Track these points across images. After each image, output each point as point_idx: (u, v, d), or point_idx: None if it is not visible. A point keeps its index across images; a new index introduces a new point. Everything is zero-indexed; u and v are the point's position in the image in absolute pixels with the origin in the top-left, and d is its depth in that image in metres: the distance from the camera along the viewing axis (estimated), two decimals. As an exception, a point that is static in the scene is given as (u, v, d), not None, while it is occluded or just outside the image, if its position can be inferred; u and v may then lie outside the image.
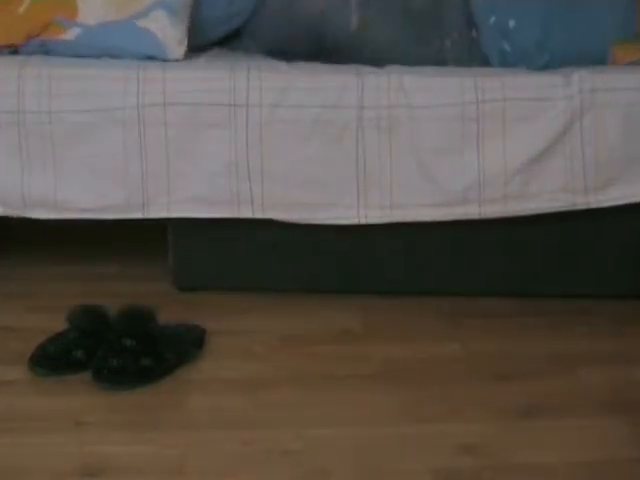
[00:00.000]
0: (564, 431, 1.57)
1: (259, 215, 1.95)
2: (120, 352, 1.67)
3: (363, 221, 2.00)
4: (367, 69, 2.00)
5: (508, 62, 2.07)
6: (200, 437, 1.51)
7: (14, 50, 2.07)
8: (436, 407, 1.64)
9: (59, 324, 1.75)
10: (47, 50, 2.06)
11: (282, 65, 2.02)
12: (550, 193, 2.00)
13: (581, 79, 1.99)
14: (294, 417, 1.60)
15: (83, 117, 1.97)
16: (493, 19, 2.09)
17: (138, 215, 1.98)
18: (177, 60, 2.01)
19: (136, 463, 1.44)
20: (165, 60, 2.00)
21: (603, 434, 1.56)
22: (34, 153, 1.98)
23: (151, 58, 2.00)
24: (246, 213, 1.95)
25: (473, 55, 2.12)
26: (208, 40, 2.12)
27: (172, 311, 1.87)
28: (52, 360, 1.70)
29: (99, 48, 2.06)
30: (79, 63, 2.05)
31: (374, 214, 2.00)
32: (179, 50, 2.02)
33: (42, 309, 1.95)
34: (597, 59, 2.07)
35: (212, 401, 1.64)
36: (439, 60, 2.11)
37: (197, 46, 2.12)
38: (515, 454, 1.50)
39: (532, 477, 1.44)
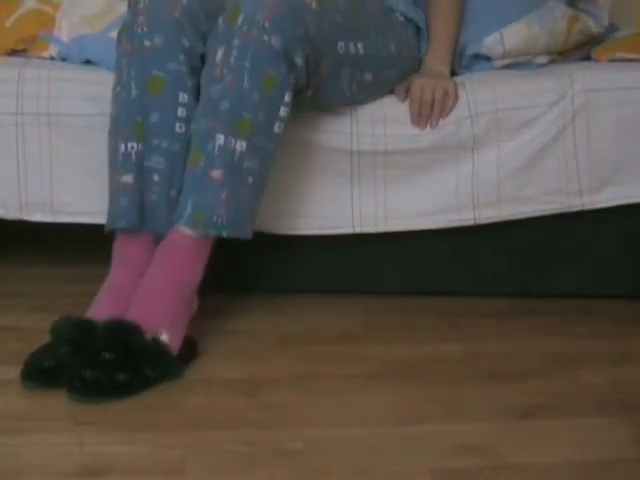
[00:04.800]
0: (564, 431, 1.57)
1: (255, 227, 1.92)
2: (96, 365, 1.62)
3: (358, 231, 2.01)
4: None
5: None
6: (200, 437, 1.51)
7: None
8: (436, 407, 1.64)
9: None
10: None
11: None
12: (545, 196, 2.00)
13: (574, 79, 1.99)
14: (294, 417, 1.60)
15: (81, 121, 1.97)
16: None
17: None
18: None
19: (136, 463, 1.44)
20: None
21: (603, 434, 1.56)
22: (32, 155, 1.98)
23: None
24: None
25: None
26: None
27: (172, 311, 1.87)
28: (47, 375, 1.64)
29: (77, 62, 2.07)
30: (79, 67, 2.06)
31: (369, 224, 2.00)
32: None
33: (42, 309, 1.95)
34: None
35: (212, 401, 1.64)
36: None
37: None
38: (515, 454, 1.49)
39: (532, 477, 1.44)
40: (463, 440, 1.52)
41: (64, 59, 2.10)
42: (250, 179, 1.75)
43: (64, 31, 2.11)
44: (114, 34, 2.04)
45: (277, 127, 1.77)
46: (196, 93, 1.81)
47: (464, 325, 1.99)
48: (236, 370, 1.75)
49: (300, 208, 2.01)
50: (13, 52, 2.14)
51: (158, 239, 1.81)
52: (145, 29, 1.79)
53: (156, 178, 1.81)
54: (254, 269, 1.99)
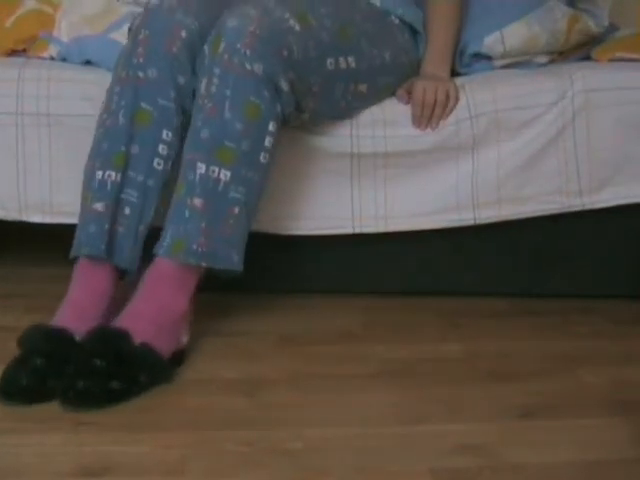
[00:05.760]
0: (564, 431, 1.57)
1: (255, 228, 1.89)
2: (89, 373, 1.59)
3: (358, 231, 2.00)
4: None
5: None
6: (200, 437, 1.51)
7: None
8: (436, 407, 1.64)
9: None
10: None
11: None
12: (545, 196, 2.01)
13: (574, 79, 2.00)
14: (294, 417, 1.60)
15: (81, 121, 1.97)
16: None
17: None
18: None
19: (136, 463, 1.44)
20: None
21: (603, 434, 1.56)
22: (31, 156, 1.98)
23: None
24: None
25: None
26: None
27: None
28: (27, 392, 1.60)
29: (77, 63, 2.08)
30: (79, 67, 2.06)
31: (369, 224, 2.00)
32: None
33: (42, 309, 1.94)
34: None
35: (212, 401, 1.64)
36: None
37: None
38: (515, 454, 1.49)
39: (532, 477, 1.44)
40: (463, 440, 1.52)
41: (64, 59, 2.10)
42: (236, 209, 1.74)
43: (64, 31, 2.11)
44: (114, 35, 2.05)
45: (262, 157, 1.75)
46: (182, 132, 1.80)
47: (464, 325, 1.99)
48: (236, 370, 1.75)
49: (300, 209, 2.01)
50: (13, 52, 2.14)
51: (120, 270, 1.81)
52: (141, 60, 1.78)
53: (127, 211, 1.80)
54: (254, 269, 1.99)
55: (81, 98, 1.99)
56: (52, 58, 2.11)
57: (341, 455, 1.48)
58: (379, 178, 1.99)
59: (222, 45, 1.73)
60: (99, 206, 1.77)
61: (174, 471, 1.42)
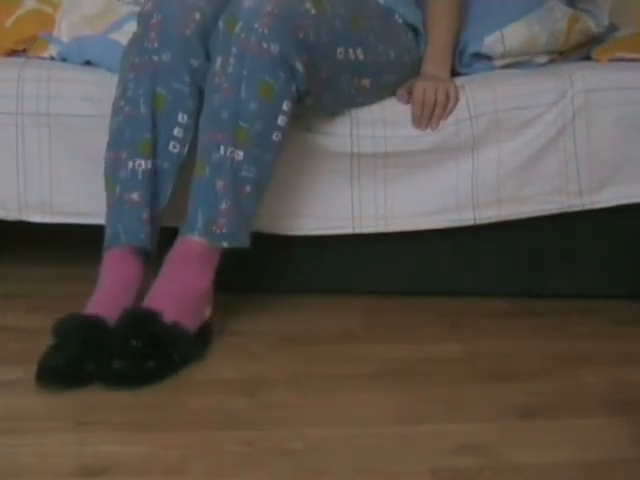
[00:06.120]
0: (564, 431, 1.57)
1: (255, 228, 1.89)
2: (126, 354, 1.64)
3: (358, 231, 2.01)
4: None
5: None
6: (200, 437, 1.51)
7: None
8: (436, 407, 1.64)
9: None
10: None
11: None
12: (545, 195, 2.01)
13: (574, 79, 2.00)
14: (294, 417, 1.60)
15: (81, 121, 1.97)
16: None
17: None
18: None
19: (136, 463, 1.44)
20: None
21: (603, 434, 1.56)
22: (31, 156, 1.98)
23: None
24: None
25: None
26: None
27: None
28: (61, 374, 1.63)
29: (77, 63, 2.08)
30: (79, 67, 2.06)
31: (369, 224, 2.00)
32: None
33: (42, 309, 1.95)
34: None
35: (212, 401, 1.64)
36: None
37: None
38: (515, 454, 1.49)
39: (532, 477, 1.44)
40: (463, 440, 1.52)
41: (64, 59, 2.10)
42: (248, 188, 1.76)
43: (64, 31, 2.11)
44: (114, 36, 2.04)
45: (275, 136, 1.77)
46: (197, 115, 1.81)
47: (464, 325, 1.99)
48: (236, 370, 1.75)
49: (301, 209, 2.01)
50: (13, 52, 2.14)
51: (144, 254, 1.82)
52: (156, 45, 1.79)
53: None
54: (254, 269, 1.99)
55: (81, 98, 1.98)
56: (52, 58, 2.11)
57: (341, 455, 1.48)
58: (379, 178, 1.99)
59: (239, 25, 1.73)
60: (135, 196, 1.79)
61: (174, 471, 1.42)
